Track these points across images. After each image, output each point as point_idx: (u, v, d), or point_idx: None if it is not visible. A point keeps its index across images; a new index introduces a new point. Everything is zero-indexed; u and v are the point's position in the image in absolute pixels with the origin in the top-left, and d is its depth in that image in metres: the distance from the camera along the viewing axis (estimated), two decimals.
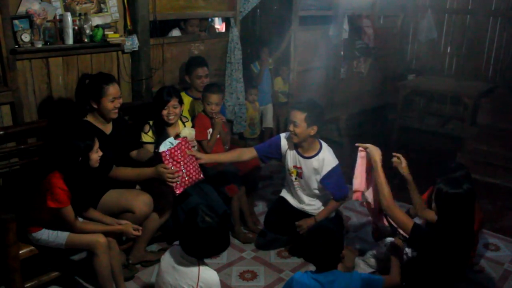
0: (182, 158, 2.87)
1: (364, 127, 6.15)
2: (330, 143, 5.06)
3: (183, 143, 2.91)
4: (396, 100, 6.24)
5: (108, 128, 2.99)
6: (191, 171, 2.93)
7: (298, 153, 3.22)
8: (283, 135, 3.32)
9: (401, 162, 2.83)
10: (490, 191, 4.40)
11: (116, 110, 2.92)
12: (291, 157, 3.26)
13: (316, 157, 3.16)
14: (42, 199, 2.47)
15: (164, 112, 3.17)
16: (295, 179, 3.29)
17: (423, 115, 6.57)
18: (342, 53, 5.77)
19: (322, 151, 3.18)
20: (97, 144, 2.55)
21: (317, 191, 3.27)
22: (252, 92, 4.77)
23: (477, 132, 5.47)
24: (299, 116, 3.03)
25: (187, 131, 3.21)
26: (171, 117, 3.20)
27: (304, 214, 3.31)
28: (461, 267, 2.51)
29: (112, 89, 2.85)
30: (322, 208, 3.29)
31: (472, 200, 2.31)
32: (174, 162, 2.84)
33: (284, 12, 5.22)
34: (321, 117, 3.12)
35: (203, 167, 3.51)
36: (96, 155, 2.54)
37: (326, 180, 3.15)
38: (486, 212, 3.99)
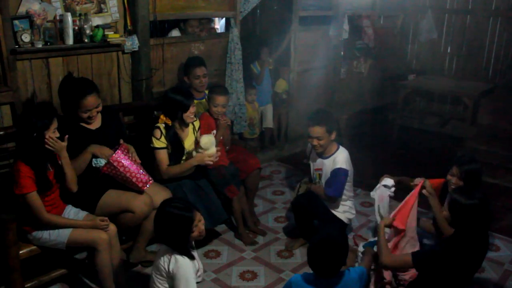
0: (124, 165, 2.82)
1: (364, 127, 6.15)
2: None
3: (120, 151, 2.83)
4: (396, 100, 6.25)
5: (94, 124, 2.96)
6: (137, 174, 2.88)
7: (320, 156, 3.40)
8: (307, 148, 3.63)
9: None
10: (490, 191, 4.40)
11: (93, 118, 2.89)
12: (314, 163, 3.47)
13: (332, 156, 3.34)
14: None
15: (187, 114, 3.17)
16: (319, 182, 3.44)
17: (423, 115, 6.57)
18: (342, 53, 5.77)
19: (337, 152, 3.35)
20: (55, 125, 2.54)
21: None
22: (251, 92, 4.77)
23: (477, 132, 5.48)
24: (320, 130, 3.22)
25: (206, 139, 3.17)
26: (192, 116, 3.22)
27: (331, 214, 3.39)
28: (472, 274, 2.53)
29: (87, 102, 2.79)
30: (345, 212, 3.42)
31: (486, 208, 2.35)
32: (115, 170, 2.81)
33: (284, 12, 5.22)
34: (335, 122, 3.36)
35: (203, 167, 3.53)
36: (52, 135, 2.53)
37: (330, 176, 3.30)
38: None
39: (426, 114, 6.61)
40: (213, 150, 3.18)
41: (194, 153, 3.21)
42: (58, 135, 2.57)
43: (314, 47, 5.40)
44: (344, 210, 3.41)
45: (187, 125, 3.29)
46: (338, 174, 3.25)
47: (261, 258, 3.38)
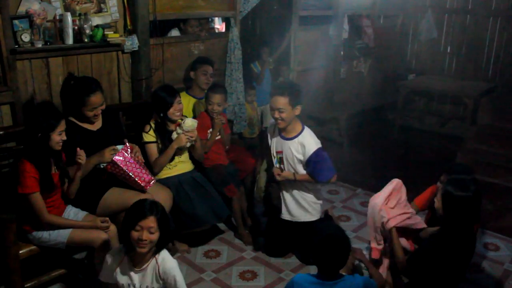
0: (127, 164, 2.85)
1: (364, 127, 6.16)
2: (330, 143, 5.04)
3: (127, 149, 2.87)
4: (396, 100, 6.25)
5: (96, 125, 2.97)
6: (140, 174, 2.91)
7: (281, 136, 3.16)
8: (268, 127, 3.32)
9: None
10: (490, 191, 4.40)
11: (97, 116, 2.91)
12: (275, 143, 3.22)
13: (296, 139, 3.10)
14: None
15: (171, 110, 3.19)
16: (279, 167, 3.23)
17: (423, 115, 6.57)
18: (342, 53, 5.77)
19: (302, 133, 3.11)
20: (61, 127, 2.53)
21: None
22: (250, 92, 4.77)
23: (477, 132, 5.47)
24: (282, 101, 2.99)
25: (190, 122, 3.21)
26: (177, 114, 3.23)
27: (297, 227, 3.24)
28: (463, 269, 2.52)
29: (93, 99, 2.81)
30: (312, 216, 3.24)
31: (478, 203, 2.35)
32: (118, 169, 2.84)
33: (284, 11, 5.22)
34: (301, 95, 3.08)
35: (202, 167, 3.53)
36: (57, 137, 2.52)
37: (308, 165, 3.09)
38: (486, 212, 3.99)
39: (426, 114, 6.62)
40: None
41: (174, 135, 3.22)
42: (64, 138, 2.57)
43: (314, 46, 5.40)
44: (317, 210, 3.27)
45: (174, 121, 3.29)
46: (319, 157, 3.03)
47: (261, 258, 3.37)
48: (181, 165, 3.33)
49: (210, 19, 4.75)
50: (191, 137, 3.21)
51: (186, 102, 3.80)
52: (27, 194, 2.47)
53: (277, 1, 5.40)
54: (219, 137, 3.57)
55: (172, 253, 3.30)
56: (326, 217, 3.38)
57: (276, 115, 3.03)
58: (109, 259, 2.28)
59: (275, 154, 3.23)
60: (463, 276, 2.60)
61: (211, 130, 3.54)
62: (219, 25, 5.94)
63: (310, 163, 3.06)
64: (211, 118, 3.52)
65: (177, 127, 3.23)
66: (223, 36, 4.39)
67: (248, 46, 5.24)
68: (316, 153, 3.04)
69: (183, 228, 3.23)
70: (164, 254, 2.28)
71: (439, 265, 2.36)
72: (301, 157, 3.10)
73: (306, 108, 5.36)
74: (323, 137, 5.56)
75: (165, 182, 3.20)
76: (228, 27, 4.40)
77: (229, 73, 4.39)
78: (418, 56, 7.03)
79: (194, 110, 3.79)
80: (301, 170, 3.15)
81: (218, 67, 4.35)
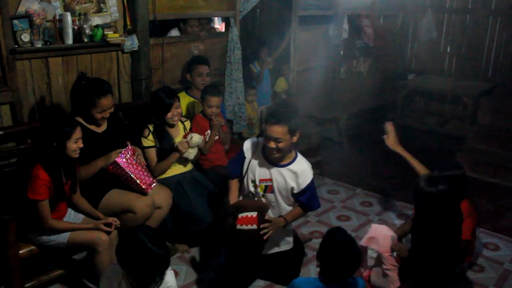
0: (129, 165, 2.86)
1: (364, 127, 6.15)
2: (330, 143, 5.04)
3: (129, 151, 2.89)
4: (396, 100, 6.25)
5: (101, 127, 2.97)
6: (142, 176, 2.92)
7: (270, 162, 2.76)
8: (245, 143, 2.93)
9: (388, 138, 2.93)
10: (490, 191, 4.40)
11: (105, 119, 2.92)
12: (256, 169, 2.80)
13: (291, 166, 2.74)
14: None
15: (169, 115, 3.18)
16: (262, 195, 2.82)
17: (423, 115, 6.57)
18: (342, 53, 5.76)
19: (297, 160, 2.77)
20: (77, 135, 2.51)
21: (290, 208, 2.86)
22: (251, 92, 4.77)
23: (477, 131, 5.48)
24: (280, 130, 2.58)
25: (197, 138, 3.21)
26: (175, 119, 3.23)
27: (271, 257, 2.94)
28: (450, 267, 2.51)
29: (104, 102, 2.81)
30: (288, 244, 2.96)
31: (449, 202, 2.32)
32: (120, 170, 2.85)
33: (283, 11, 5.22)
34: (299, 120, 2.75)
35: (202, 168, 3.53)
36: (74, 145, 2.51)
37: (302, 194, 2.77)
38: (486, 212, 4.00)
39: (425, 114, 6.62)
40: (195, 150, 3.27)
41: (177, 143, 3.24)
42: (81, 145, 2.56)
43: (314, 46, 5.40)
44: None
45: (172, 126, 3.28)
46: (312, 186, 2.78)
47: None
48: (180, 165, 3.33)
49: (210, 19, 4.74)
50: (185, 150, 3.21)
51: (185, 102, 3.81)
52: (37, 201, 2.46)
53: (277, 1, 5.40)
54: (217, 137, 3.58)
55: (172, 253, 3.30)
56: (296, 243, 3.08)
57: (272, 145, 2.61)
58: (106, 282, 2.18)
59: (257, 182, 2.79)
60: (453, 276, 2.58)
61: (208, 132, 3.54)
62: (219, 25, 5.94)
63: (306, 192, 2.75)
64: (208, 119, 3.51)
65: (184, 143, 3.19)
66: (223, 36, 4.39)
67: (248, 46, 5.24)
68: (312, 181, 2.76)
69: (182, 229, 3.23)
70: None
71: (421, 265, 2.36)
72: (294, 185, 2.75)
73: (306, 108, 5.41)
74: (323, 137, 5.60)
75: (164, 182, 3.20)
76: (228, 27, 4.40)
77: (229, 73, 4.38)
78: (417, 56, 7.03)
79: (193, 109, 3.79)
80: (287, 201, 2.84)
81: (218, 67, 4.34)
